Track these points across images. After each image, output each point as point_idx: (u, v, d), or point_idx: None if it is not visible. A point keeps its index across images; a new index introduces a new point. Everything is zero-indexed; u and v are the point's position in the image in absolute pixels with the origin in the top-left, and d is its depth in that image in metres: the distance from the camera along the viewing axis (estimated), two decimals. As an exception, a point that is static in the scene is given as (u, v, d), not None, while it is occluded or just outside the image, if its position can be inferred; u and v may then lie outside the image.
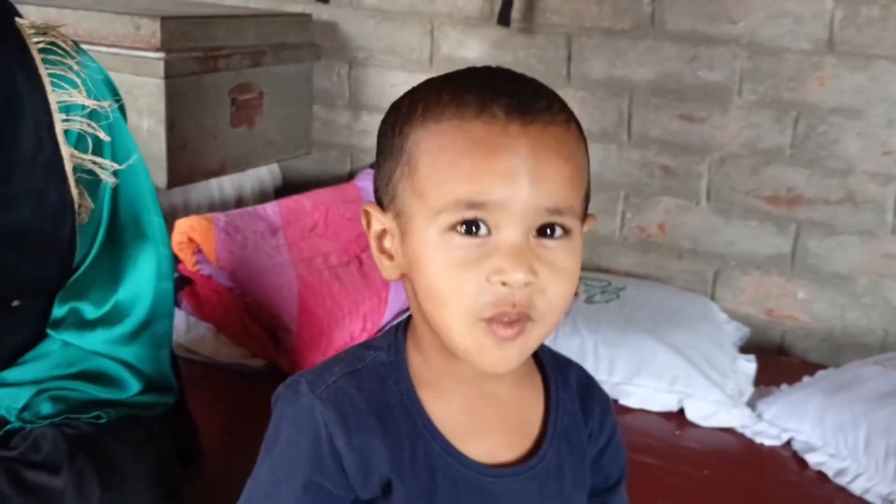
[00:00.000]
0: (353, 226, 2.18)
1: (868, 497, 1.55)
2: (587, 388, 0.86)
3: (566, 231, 0.71)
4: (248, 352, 1.87)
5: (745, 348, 2.02)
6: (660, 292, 2.12)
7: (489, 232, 0.69)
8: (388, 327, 0.84)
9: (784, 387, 1.84)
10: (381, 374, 0.78)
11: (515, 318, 0.70)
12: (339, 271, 1.98)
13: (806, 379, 1.85)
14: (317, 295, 1.89)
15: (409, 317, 0.81)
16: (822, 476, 1.62)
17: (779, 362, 2.09)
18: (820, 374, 1.87)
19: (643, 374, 1.83)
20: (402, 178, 0.73)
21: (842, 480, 1.59)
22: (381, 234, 0.77)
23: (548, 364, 0.84)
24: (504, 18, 2.26)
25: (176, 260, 1.89)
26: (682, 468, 1.63)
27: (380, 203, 0.77)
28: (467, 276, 0.69)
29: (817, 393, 1.74)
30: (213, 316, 1.89)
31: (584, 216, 0.77)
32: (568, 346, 1.87)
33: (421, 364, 0.79)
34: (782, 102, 2.11)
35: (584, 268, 2.29)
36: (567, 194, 0.71)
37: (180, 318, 1.89)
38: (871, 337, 2.11)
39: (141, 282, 1.18)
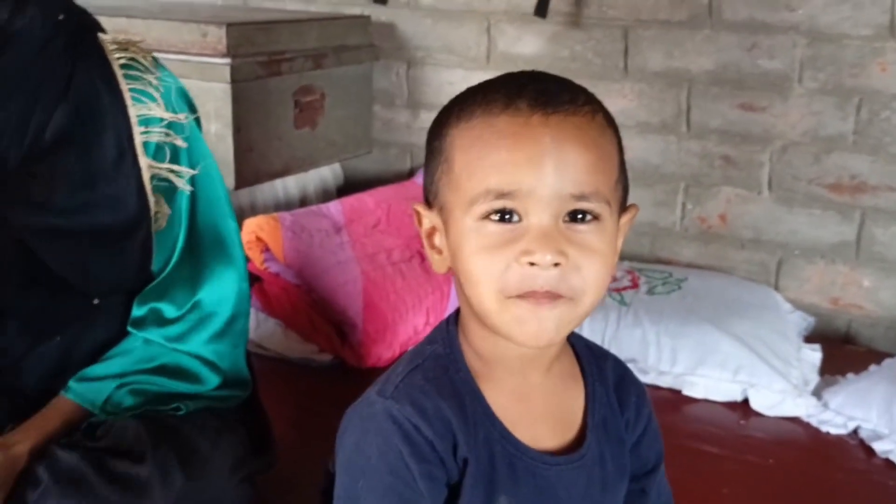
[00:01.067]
0: (414, 223, 2.22)
1: (937, 484, 1.53)
2: (622, 379, 0.90)
3: (595, 216, 0.74)
4: (316, 347, 1.92)
5: (810, 338, 2.00)
6: (722, 282, 2.11)
7: (520, 219, 0.73)
8: (440, 326, 0.87)
9: (850, 375, 1.83)
10: (442, 365, 0.82)
11: (547, 294, 0.73)
12: (402, 267, 2.02)
13: (872, 367, 1.83)
14: (381, 290, 1.93)
15: (458, 310, 0.85)
16: (889, 464, 1.61)
17: (844, 351, 2.07)
18: (887, 362, 1.84)
19: (706, 365, 1.83)
20: (442, 175, 0.79)
21: (910, 468, 1.58)
22: (431, 232, 0.82)
23: (584, 357, 0.88)
24: (541, 10, 2.27)
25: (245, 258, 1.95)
26: (747, 457, 1.63)
27: (427, 202, 0.82)
28: (498, 257, 0.73)
29: (884, 381, 1.72)
30: (282, 312, 1.95)
31: (623, 206, 0.80)
32: (630, 338, 1.88)
33: (472, 354, 0.82)
34: (844, 89, 2.08)
35: (645, 259, 2.31)
36: (591, 180, 0.74)
37: (250, 315, 1.95)
38: (939, 324, 2.08)
39: (223, 285, 1.24)
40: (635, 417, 0.89)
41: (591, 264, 0.74)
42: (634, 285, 2.05)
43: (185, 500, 1.10)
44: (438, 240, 0.81)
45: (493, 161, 0.74)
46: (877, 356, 1.92)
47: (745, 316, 1.93)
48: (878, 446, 1.64)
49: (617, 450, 0.87)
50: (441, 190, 0.79)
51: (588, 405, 0.85)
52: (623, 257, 2.36)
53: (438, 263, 0.82)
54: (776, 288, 2.21)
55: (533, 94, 0.75)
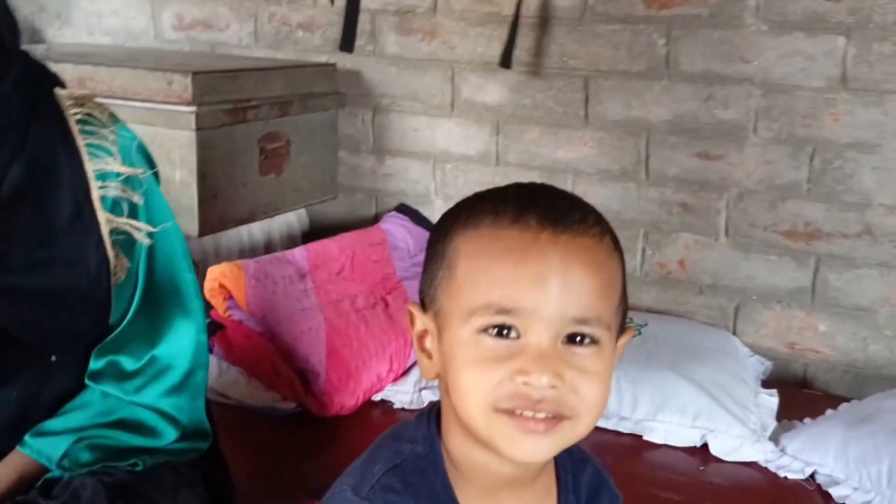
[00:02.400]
0: (379, 269, 2.23)
1: (893, 530, 1.56)
2: (598, 491, 0.88)
3: (595, 340, 0.73)
4: (279, 395, 1.92)
5: (767, 382, 2.04)
6: (681, 327, 2.15)
7: (518, 335, 0.72)
8: (418, 416, 0.85)
9: (807, 420, 1.86)
10: (422, 468, 0.80)
11: (543, 419, 0.72)
12: (366, 313, 2.03)
13: (829, 412, 1.86)
14: (344, 337, 1.94)
15: (438, 409, 0.83)
16: (846, 509, 1.63)
17: (801, 395, 2.10)
18: (843, 406, 1.88)
19: (666, 410, 1.85)
20: (442, 280, 0.78)
21: (866, 514, 1.60)
22: (423, 335, 0.81)
23: (562, 467, 0.86)
24: (506, 62, 2.32)
25: (207, 306, 1.95)
26: (704, 502, 1.65)
27: (422, 304, 0.81)
28: (491, 372, 0.72)
29: (840, 426, 1.75)
30: (244, 360, 1.95)
31: (622, 328, 0.80)
32: (591, 384, 1.90)
33: (448, 459, 0.81)
34: (797, 139, 2.14)
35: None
36: (595, 305, 0.73)
37: (212, 363, 1.94)
38: (893, 369, 2.12)
39: (180, 338, 1.24)
40: None
41: (588, 387, 0.73)
42: (596, 331, 2.07)
43: None
44: (430, 343, 0.80)
45: (498, 275, 0.73)
46: (833, 401, 1.95)
47: (704, 361, 1.96)
48: (835, 492, 1.67)
49: None
50: (440, 295, 0.78)
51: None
52: (585, 302, 2.38)
53: (427, 369, 0.81)
54: (734, 332, 2.25)
55: (543, 210, 0.74)
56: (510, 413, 0.72)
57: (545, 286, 0.72)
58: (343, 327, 1.95)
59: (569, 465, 0.86)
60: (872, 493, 1.62)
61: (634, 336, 2.01)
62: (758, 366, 2.08)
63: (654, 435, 1.85)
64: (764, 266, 2.22)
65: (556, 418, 0.72)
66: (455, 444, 0.80)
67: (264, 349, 1.93)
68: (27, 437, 1.17)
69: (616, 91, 2.30)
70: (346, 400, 1.87)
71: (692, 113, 2.23)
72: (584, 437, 0.76)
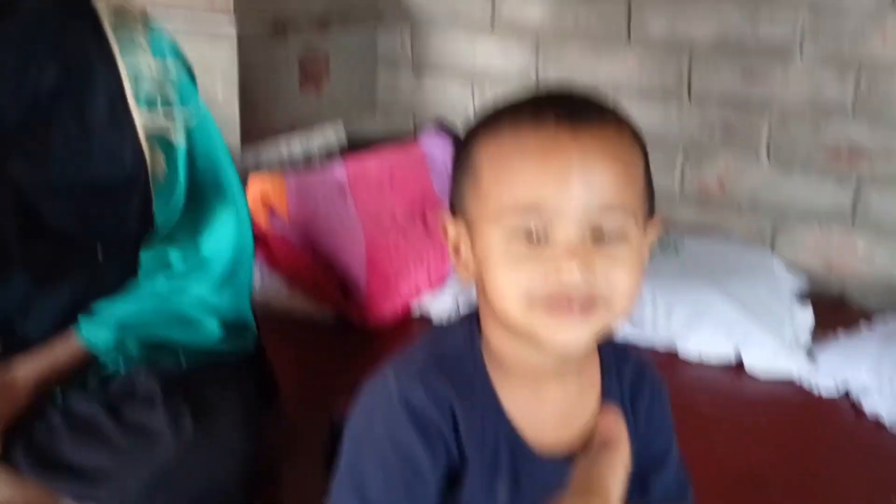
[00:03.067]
0: (418, 185, 2.25)
1: (924, 442, 1.58)
2: (640, 380, 0.88)
3: (622, 233, 0.74)
4: (320, 305, 1.96)
5: (804, 299, 2.04)
6: (718, 245, 2.14)
7: (547, 234, 0.74)
8: (457, 318, 0.87)
9: (842, 336, 1.86)
10: (462, 363, 0.82)
11: (579, 306, 0.73)
12: (405, 227, 2.05)
13: (864, 328, 1.87)
14: (383, 250, 1.97)
15: (477, 313, 0.84)
16: (878, 423, 1.65)
17: (837, 313, 2.10)
18: (879, 323, 1.88)
19: (701, 324, 1.86)
20: (468, 188, 0.79)
21: (898, 426, 1.62)
22: (457, 243, 0.82)
23: (606, 361, 0.87)
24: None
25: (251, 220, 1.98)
26: (738, 417, 1.67)
27: (453, 214, 0.82)
28: (523, 271, 0.73)
29: (875, 341, 1.76)
30: (286, 271, 1.98)
31: (650, 219, 0.80)
32: (627, 298, 1.91)
33: (490, 358, 0.83)
34: (844, 58, 2.10)
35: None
36: (618, 193, 0.74)
37: (255, 273, 1.98)
38: (932, 288, 2.12)
39: (225, 233, 1.27)
40: (645, 423, 0.88)
41: (619, 274, 0.74)
42: (633, 248, 2.07)
43: (194, 448, 1.13)
44: (464, 251, 0.81)
45: (520, 176, 0.74)
46: (869, 317, 1.95)
47: (741, 277, 1.96)
48: (867, 405, 1.68)
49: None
50: (467, 203, 0.79)
51: (600, 404, 0.85)
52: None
53: (464, 272, 0.82)
54: (772, 251, 2.24)
55: (560, 109, 0.75)
56: (547, 305, 0.74)
57: (567, 181, 0.73)
58: (382, 240, 1.98)
59: (612, 356, 0.88)
60: (906, 406, 1.64)
61: (671, 254, 2.03)
62: (795, 283, 2.08)
63: (688, 349, 1.87)
64: (805, 186, 2.20)
65: (591, 305, 0.73)
66: (496, 341, 0.82)
67: (306, 260, 1.96)
68: (82, 325, 1.21)
69: (659, 8, 2.27)
70: (385, 309, 1.91)
71: (737, 31, 2.20)
72: (620, 322, 0.77)
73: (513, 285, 0.74)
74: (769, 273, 2.03)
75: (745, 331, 1.83)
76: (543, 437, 0.83)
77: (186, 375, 1.21)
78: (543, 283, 0.73)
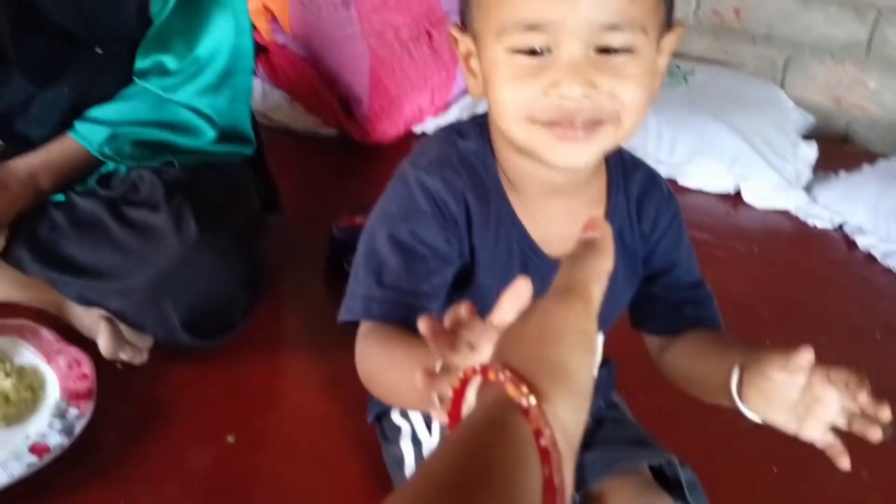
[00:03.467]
0: (424, 1, 2.18)
1: (912, 279, 1.61)
2: (648, 189, 0.88)
3: (629, 48, 0.71)
4: (322, 120, 1.94)
5: (808, 136, 2.02)
6: (728, 77, 2.11)
7: (550, 50, 0.71)
8: (471, 119, 0.86)
9: (843, 173, 1.86)
10: (473, 161, 0.82)
11: (582, 126, 0.72)
12: (410, 45, 2.01)
13: (865, 167, 1.86)
14: (387, 67, 1.93)
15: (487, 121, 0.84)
16: (869, 258, 1.68)
17: (841, 151, 2.10)
18: (881, 162, 1.88)
19: (704, 155, 1.86)
20: (473, 1, 0.76)
21: (889, 262, 1.64)
22: (467, 55, 0.80)
23: (614, 171, 0.86)
24: None
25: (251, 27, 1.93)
26: (732, 244, 1.69)
27: (464, 27, 0.80)
28: (525, 86, 0.72)
29: (875, 180, 1.76)
30: (288, 84, 1.96)
31: (668, 25, 0.76)
32: (631, 126, 1.90)
33: (500, 167, 0.83)
34: None
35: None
36: (626, 8, 0.70)
37: (256, 85, 1.95)
38: (937, 129, 2.10)
39: (220, 36, 1.24)
40: (651, 228, 0.88)
41: (625, 90, 0.71)
42: (640, 76, 2.04)
43: (198, 250, 1.15)
44: (474, 63, 0.79)
45: None
46: (871, 156, 1.95)
47: (748, 111, 1.94)
48: (861, 241, 1.70)
49: (629, 260, 0.88)
50: (474, 15, 0.76)
51: (607, 216, 0.85)
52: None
53: (473, 87, 0.80)
54: (782, 85, 2.21)
55: None
56: (548, 124, 0.73)
57: None
58: (387, 57, 1.94)
59: (620, 167, 0.87)
60: (898, 243, 1.66)
61: (679, 84, 1.99)
62: (801, 119, 2.06)
63: (690, 179, 1.87)
64: (822, 17, 2.14)
65: (596, 123, 0.72)
66: (503, 155, 0.82)
67: (307, 74, 1.93)
68: (76, 123, 1.21)
69: None
70: (388, 128, 1.90)
71: None
72: (627, 139, 0.76)
73: (513, 103, 0.73)
74: (776, 108, 2.01)
75: (746, 165, 1.83)
76: (551, 245, 0.83)
77: (191, 179, 1.21)
78: (545, 101, 0.72)
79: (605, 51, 0.71)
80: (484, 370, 0.49)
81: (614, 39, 0.71)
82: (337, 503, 1.04)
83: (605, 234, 0.57)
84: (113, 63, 1.22)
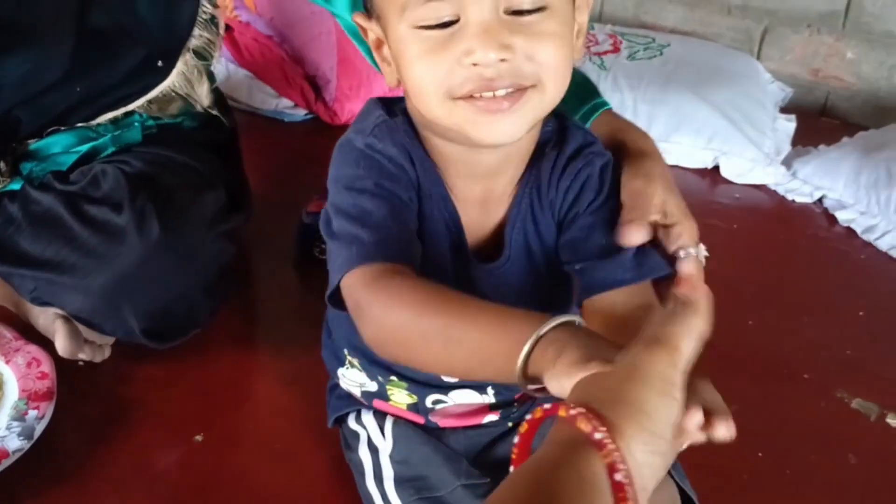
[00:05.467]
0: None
1: (893, 253, 1.58)
2: (576, 154, 0.80)
3: (542, 6, 0.67)
4: (290, 101, 1.89)
5: (786, 108, 2.00)
6: (704, 50, 2.07)
7: (458, 18, 0.67)
8: (387, 106, 0.81)
9: (822, 147, 1.84)
10: (408, 133, 0.78)
11: (505, 95, 0.68)
12: (378, 22, 1.95)
13: (845, 139, 1.84)
14: (355, 45, 1.87)
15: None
16: (850, 232, 1.65)
17: (819, 123, 2.07)
18: (860, 134, 1.85)
19: (681, 131, 1.83)
20: None
21: (869, 236, 1.62)
22: (378, 44, 0.75)
23: (544, 139, 0.81)
24: None
25: (213, 6, 1.87)
26: (712, 221, 1.66)
27: (368, 13, 0.75)
28: (437, 60, 0.68)
29: (854, 152, 1.74)
30: (253, 64, 1.90)
31: None
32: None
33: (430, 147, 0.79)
34: None
35: (628, 23, 2.24)
36: None
37: (220, 66, 1.90)
38: (916, 100, 2.07)
39: None
40: (574, 197, 0.80)
41: (543, 50, 0.67)
42: (615, 49, 2.00)
43: (161, 250, 1.09)
44: (386, 51, 0.74)
45: None
46: (851, 129, 1.92)
47: (725, 84, 1.91)
48: (841, 215, 1.68)
49: (548, 237, 0.82)
50: None
51: (515, 194, 0.81)
52: (605, 20, 2.29)
53: (389, 76, 0.76)
54: (758, 57, 2.17)
55: None
56: (469, 98, 0.68)
57: None
58: (354, 34, 1.88)
59: (554, 137, 0.81)
60: (879, 217, 1.63)
61: (655, 57, 1.96)
62: (778, 92, 2.03)
63: (667, 156, 1.79)
64: (798, -13, 2.11)
65: (519, 91, 0.68)
66: (429, 143, 0.78)
67: (273, 53, 1.87)
68: None
69: None
70: (357, 108, 1.82)
71: None
72: (554, 104, 0.72)
73: (429, 80, 0.69)
74: (754, 81, 1.97)
75: (724, 140, 1.80)
76: (472, 234, 0.81)
77: (154, 175, 1.16)
78: (460, 73, 0.67)
79: (516, 13, 0.67)
80: (555, 407, 0.49)
81: (524, 0, 0.67)
82: (307, 501, 1.00)
83: (704, 297, 0.56)
84: (58, 46, 1.15)
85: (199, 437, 1.07)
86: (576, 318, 0.61)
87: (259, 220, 1.47)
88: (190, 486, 1.02)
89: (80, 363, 1.14)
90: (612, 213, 0.79)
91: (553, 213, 0.81)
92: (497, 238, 0.82)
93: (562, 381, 0.56)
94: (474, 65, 0.67)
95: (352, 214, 0.73)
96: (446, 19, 0.67)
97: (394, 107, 0.80)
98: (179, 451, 1.07)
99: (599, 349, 0.57)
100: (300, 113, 1.88)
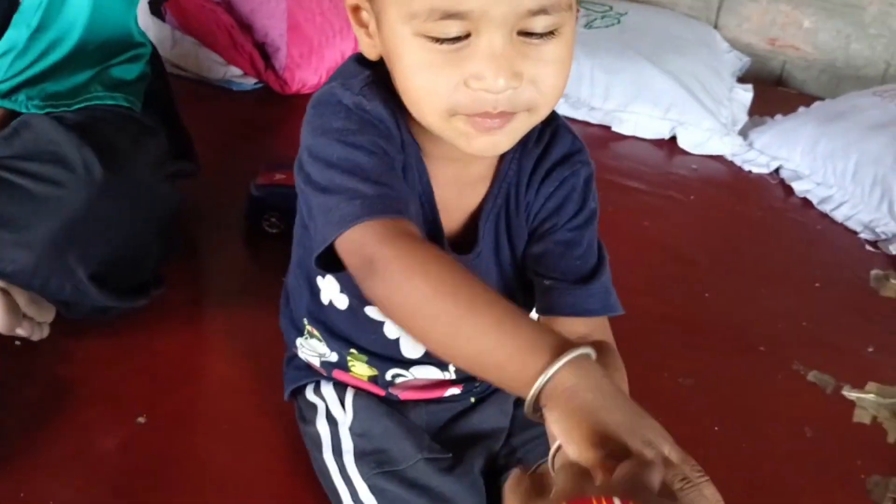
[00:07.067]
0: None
1: (849, 224, 1.59)
2: (563, 160, 0.79)
3: (554, 30, 0.64)
4: (238, 70, 1.83)
5: (743, 78, 1.99)
6: (662, 18, 2.05)
7: (468, 35, 0.63)
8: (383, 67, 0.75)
9: (778, 117, 1.84)
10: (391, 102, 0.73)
11: (499, 114, 0.66)
12: (330, -13, 1.90)
13: (801, 109, 1.84)
14: (306, 11, 1.82)
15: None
16: (806, 203, 1.65)
17: (776, 93, 2.07)
18: (816, 104, 1.85)
19: (639, 101, 1.81)
20: None
21: (825, 207, 1.62)
22: (356, 8, 0.71)
23: (525, 138, 0.76)
24: None
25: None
26: (669, 192, 1.65)
27: None
28: (442, 78, 0.65)
29: (811, 122, 1.73)
30: (199, 31, 1.83)
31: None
32: (564, 71, 1.84)
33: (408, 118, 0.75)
34: None
35: (585, -11, 2.16)
36: None
37: (165, 33, 1.84)
38: (873, 69, 2.07)
39: None
40: (555, 208, 0.79)
41: (549, 77, 0.66)
42: (572, 18, 1.97)
43: (104, 194, 1.04)
44: (367, 19, 0.70)
45: None
46: (807, 99, 1.93)
47: (682, 53, 1.89)
48: (797, 186, 1.68)
49: (518, 238, 0.81)
50: None
51: (491, 189, 0.79)
52: (563, -12, 2.26)
53: (367, 47, 0.72)
54: (716, 26, 2.16)
55: None
56: (467, 117, 0.66)
57: None
58: (305, 0, 1.83)
59: (536, 135, 0.78)
60: (835, 188, 1.64)
61: (613, 25, 1.93)
62: (735, 61, 2.03)
63: (624, 126, 1.83)
64: (756, -45, 2.09)
65: (512, 112, 0.66)
66: (411, 120, 0.74)
67: (221, 19, 1.80)
68: None
69: None
70: (308, 77, 1.80)
71: None
72: (543, 118, 0.71)
73: (430, 94, 0.66)
74: (712, 51, 1.96)
75: (681, 110, 1.78)
76: (447, 217, 0.79)
77: (88, 123, 1.10)
78: (467, 94, 0.65)
79: (527, 34, 0.64)
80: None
81: (538, 23, 0.63)
82: (258, 482, 0.97)
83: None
84: None
85: (141, 419, 1.03)
86: (590, 352, 0.59)
87: (206, 192, 1.43)
88: (133, 469, 0.98)
89: (17, 342, 1.09)
90: (591, 232, 0.79)
91: (528, 217, 0.80)
92: (472, 228, 0.80)
93: (565, 428, 0.56)
94: (481, 88, 0.64)
95: (348, 168, 0.68)
96: (455, 35, 0.63)
97: (377, 70, 0.75)
98: (122, 432, 1.02)
99: (607, 400, 0.56)
100: (249, 81, 1.83)
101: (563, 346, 0.59)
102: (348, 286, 0.82)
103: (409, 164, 0.75)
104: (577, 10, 0.70)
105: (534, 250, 0.80)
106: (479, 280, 0.64)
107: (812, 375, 1.21)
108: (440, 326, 0.63)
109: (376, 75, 0.73)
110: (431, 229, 0.78)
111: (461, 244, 0.80)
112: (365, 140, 0.69)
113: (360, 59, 0.76)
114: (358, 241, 0.66)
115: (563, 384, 0.57)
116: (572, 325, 0.76)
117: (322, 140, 0.70)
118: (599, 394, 0.56)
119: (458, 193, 0.79)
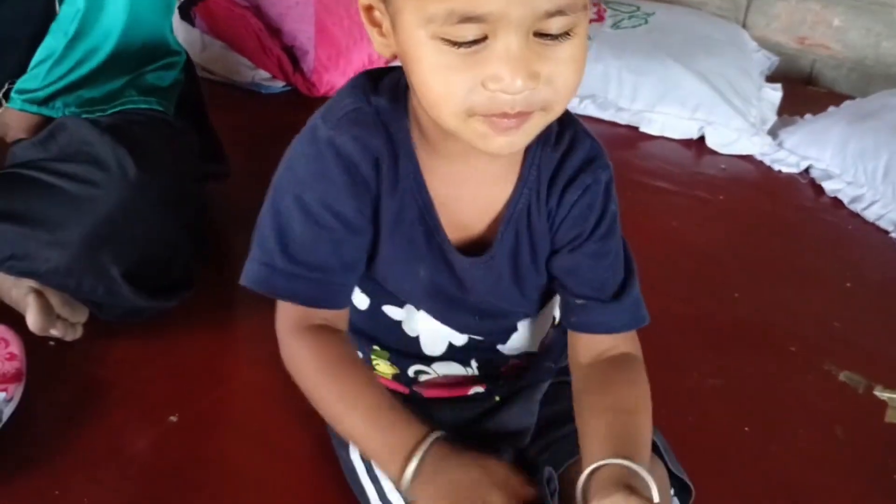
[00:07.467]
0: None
1: (881, 223, 1.57)
2: (585, 166, 0.79)
3: (569, 31, 0.65)
4: (267, 73, 1.85)
5: (772, 77, 1.97)
6: (690, 18, 2.04)
7: (485, 37, 0.63)
8: (393, 73, 0.78)
9: (808, 116, 1.82)
10: (385, 118, 0.76)
11: (516, 114, 0.66)
12: (357, -10, 1.91)
13: (831, 109, 1.82)
14: (334, 15, 1.83)
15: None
16: (836, 202, 1.64)
17: (805, 92, 2.05)
18: (846, 103, 1.83)
19: (666, 101, 1.80)
20: None
21: (856, 207, 1.61)
22: (369, 7, 0.71)
23: (544, 139, 0.78)
24: None
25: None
26: (698, 193, 1.65)
27: None
28: (459, 80, 0.65)
29: (841, 121, 1.72)
30: (228, 35, 1.85)
31: None
32: (592, 73, 1.83)
33: (416, 127, 0.76)
34: None
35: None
36: None
37: (195, 37, 1.86)
38: (904, 68, 2.05)
39: None
40: (580, 215, 0.79)
41: (564, 75, 0.66)
42: (600, 18, 1.97)
43: (137, 193, 1.06)
44: (380, 18, 0.70)
45: None
46: (837, 98, 1.91)
47: (710, 53, 1.88)
48: (828, 185, 1.66)
49: (537, 241, 0.81)
50: None
51: (514, 193, 0.79)
52: (589, -11, 2.25)
53: (381, 46, 0.72)
54: (744, 25, 2.15)
55: None
56: (484, 117, 0.66)
57: None
58: (332, 3, 1.84)
59: (552, 140, 0.79)
60: (866, 187, 1.62)
61: (640, 25, 1.93)
62: (764, 60, 2.01)
63: (652, 126, 1.82)
64: (785, -47, 2.08)
65: (528, 112, 0.67)
66: (423, 117, 0.75)
67: (249, 23, 1.82)
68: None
69: None
70: (336, 80, 1.81)
71: None
72: (557, 116, 0.71)
73: (447, 96, 0.66)
74: (740, 50, 1.95)
75: (710, 109, 1.77)
76: (459, 218, 0.79)
77: (120, 125, 1.12)
78: (484, 95, 0.65)
79: (543, 35, 0.64)
80: None
81: (554, 25, 0.64)
82: (286, 485, 0.98)
83: None
84: None
85: (173, 418, 1.04)
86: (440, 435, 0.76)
87: (235, 195, 1.44)
88: (165, 469, 0.99)
89: (51, 343, 1.10)
90: (615, 239, 0.81)
91: (552, 225, 0.80)
92: (484, 229, 0.80)
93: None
94: (499, 90, 0.65)
95: (277, 224, 0.77)
96: (473, 38, 0.64)
97: (382, 80, 0.77)
98: (153, 432, 1.03)
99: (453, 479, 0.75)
100: (278, 84, 1.84)
101: (415, 445, 0.75)
102: (366, 287, 0.85)
103: (399, 182, 0.76)
104: (603, 9, 0.70)
105: (564, 264, 0.81)
106: (367, 377, 0.80)
107: (843, 375, 1.19)
108: (325, 409, 0.81)
109: (377, 90, 0.76)
110: (426, 229, 0.78)
111: (470, 245, 0.80)
112: (314, 200, 0.75)
113: (361, 81, 0.78)
114: (279, 319, 0.82)
115: (421, 477, 0.74)
116: (600, 339, 0.82)
117: (282, 178, 0.78)
118: (447, 477, 0.73)
119: (470, 194, 0.79)
